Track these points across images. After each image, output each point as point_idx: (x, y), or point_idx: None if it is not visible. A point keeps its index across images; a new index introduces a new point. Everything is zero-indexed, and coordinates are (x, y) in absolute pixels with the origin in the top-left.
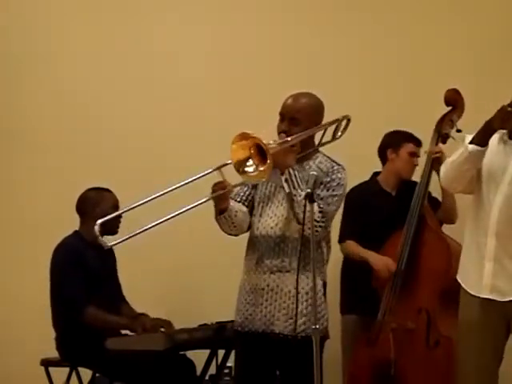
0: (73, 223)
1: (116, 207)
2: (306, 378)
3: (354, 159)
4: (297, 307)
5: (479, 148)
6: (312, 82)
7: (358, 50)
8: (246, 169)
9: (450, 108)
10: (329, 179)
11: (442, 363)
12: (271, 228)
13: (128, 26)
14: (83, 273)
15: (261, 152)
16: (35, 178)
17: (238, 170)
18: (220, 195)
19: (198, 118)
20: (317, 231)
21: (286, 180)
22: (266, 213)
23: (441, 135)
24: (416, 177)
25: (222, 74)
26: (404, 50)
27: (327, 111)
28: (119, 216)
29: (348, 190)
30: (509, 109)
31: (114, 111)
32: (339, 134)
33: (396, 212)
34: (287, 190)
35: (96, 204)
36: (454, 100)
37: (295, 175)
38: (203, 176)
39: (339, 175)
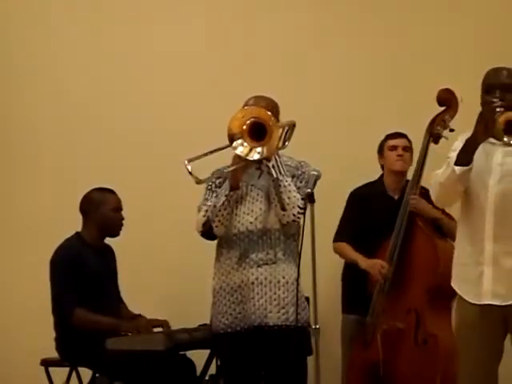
0: (73, 223)
1: (118, 208)
2: (299, 367)
3: (351, 160)
4: (297, 298)
5: (467, 167)
6: (311, 81)
7: (357, 50)
8: (235, 147)
9: (443, 108)
10: (300, 172)
11: (430, 361)
12: (251, 223)
13: (128, 26)
14: (79, 275)
15: (255, 131)
16: (35, 178)
17: (230, 143)
18: (237, 169)
19: (198, 117)
20: (299, 218)
21: (273, 166)
22: (241, 211)
23: (432, 135)
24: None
25: (222, 74)
26: (404, 50)
27: (327, 111)
28: (121, 218)
29: (353, 189)
30: (487, 115)
31: (113, 111)
32: (288, 141)
33: (397, 215)
34: (275, 176)
35: (98, 206)
36: (447, 100)
37: (280, 162)
38: (223, 149)
39: (308, 168)
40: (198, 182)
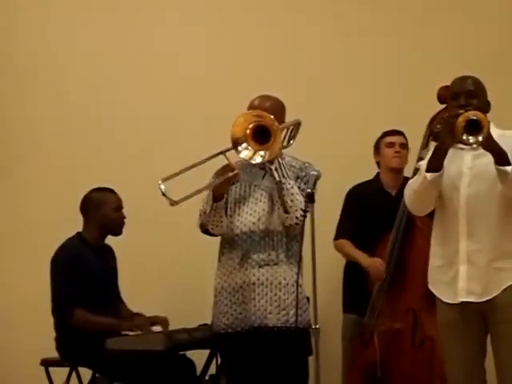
0: (73, 223)
1: (119, 208)
2: (299, 369)
3: (351, 159)
4: (297, 299)
5: (438, 173)
6: (311, 81)
7: (357, 50)
8: (240, 150)
9: (444, 106)
10: (304, 174)
11: (427, 362)
12: (253, 224)
13: (128, 26)
14: (80, 275)
15: (258, 134)
16: (35, 178)
17: (234, 148)
18: (224, 181)
19: (199, 117)
20: (301, 220)
21: (276, 169)
22: (244, 211)
23: (432, 133)
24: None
25: (222, 74)
26: (404, 50)
27: (327, 111)
28: (123, 217)
29: (350, 188)
30: (450, 120)
31: (114, 111)
32: (292, 140)
33: (395, 212)
34: (277, 179)
35: (98, 206)
36: (448, 97)
37: (284, 164)
38: (212, 158)
39: (310, 169)
40: (173, 203)
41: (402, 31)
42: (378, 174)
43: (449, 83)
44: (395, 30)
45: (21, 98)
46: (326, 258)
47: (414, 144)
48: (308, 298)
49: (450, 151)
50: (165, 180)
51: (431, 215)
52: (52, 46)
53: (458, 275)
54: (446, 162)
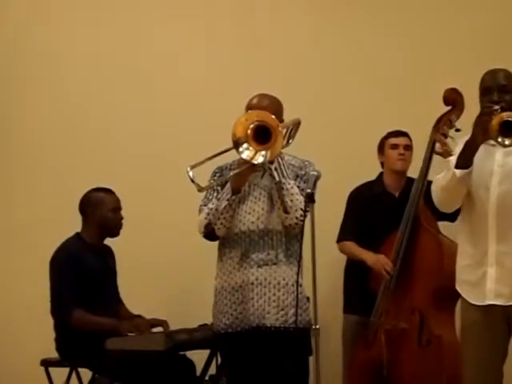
0: (73, 223)
1: (117, 208)
2: (299, 369)
3: (351, 159)
4: (297, 299)
5: (467, 170)
6: (311, 81)
7: (357, 50)
8: (241, 151)
9: (449, 108)
10: (304, 172)
11: (433, 362)
12: (252, 223)
13: (128, 26)
14: (79, 276)
15: (259, 134)
16: (35, 178)
17: (235, 147)
18: (242, 173)
19: (198, 117)
20: (302, 220)
21: (276, 169)
22: (243, 210)
23: (438, 135)
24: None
25: (222, 74)
26: (404, 50)
27: (327, 111)
28: (120, 218)
29: (352, 189)
30: (484, 117)
31: (113, 111)
32: (292, 139)
33: (398, 213)
34: (277, 179)
35: (97, 206)
36: (453, 100)
37: (283, 164)
38: (226, 151)
39: (310, 168)
40: (200, 189)
41: (401, 31)
42: (381, 174)
43: (452, 83)
44: (395, 29)
45: (21, 98)
46: (326, 259)
47: (417, 143)
48: (308, 298)
49: (481, 147)
50: (192, 167)
51: (435, 215)
52: (52, 46)
53: (486, 276)
54: (476, 158)
